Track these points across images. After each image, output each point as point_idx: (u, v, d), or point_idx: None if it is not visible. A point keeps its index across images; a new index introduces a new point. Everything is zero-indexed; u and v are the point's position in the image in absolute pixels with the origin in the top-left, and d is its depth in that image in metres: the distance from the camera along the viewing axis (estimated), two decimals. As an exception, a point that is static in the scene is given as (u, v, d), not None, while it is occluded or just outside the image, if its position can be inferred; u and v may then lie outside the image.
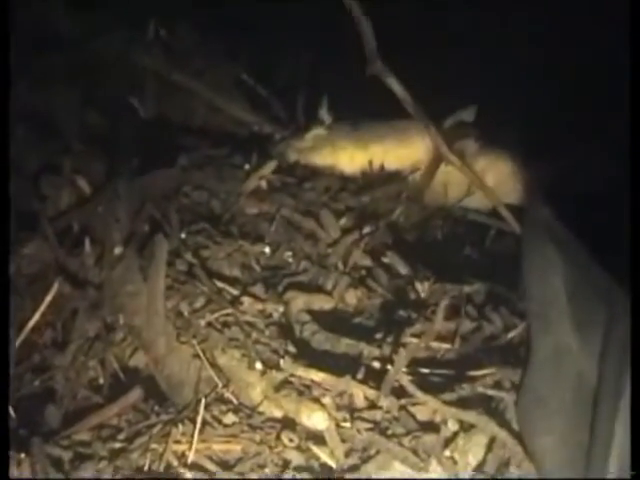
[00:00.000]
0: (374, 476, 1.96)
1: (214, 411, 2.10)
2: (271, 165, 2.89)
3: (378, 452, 1.99)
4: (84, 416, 2.17)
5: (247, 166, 2.94)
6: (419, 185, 3.04)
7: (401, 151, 3.09)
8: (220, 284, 2.41)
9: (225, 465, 1.99)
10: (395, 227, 2.80)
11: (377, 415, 2.07)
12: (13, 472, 1.97)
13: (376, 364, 2.20)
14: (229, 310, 2.32)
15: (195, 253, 2.51)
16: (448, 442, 2.01)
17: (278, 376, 2.15)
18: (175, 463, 1.99)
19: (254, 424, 2.08)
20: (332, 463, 1.98)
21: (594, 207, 2.52)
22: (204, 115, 3.51)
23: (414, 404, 2.09)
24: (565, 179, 2.91)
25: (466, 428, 2.03)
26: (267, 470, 1.97)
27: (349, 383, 2.11)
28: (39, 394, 2.30)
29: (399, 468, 1.97)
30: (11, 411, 2.16)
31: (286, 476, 1.96)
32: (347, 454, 1.99)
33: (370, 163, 3.09)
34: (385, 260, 2.61)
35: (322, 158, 3.10)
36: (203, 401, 2.09)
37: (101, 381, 2.32)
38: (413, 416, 2.08)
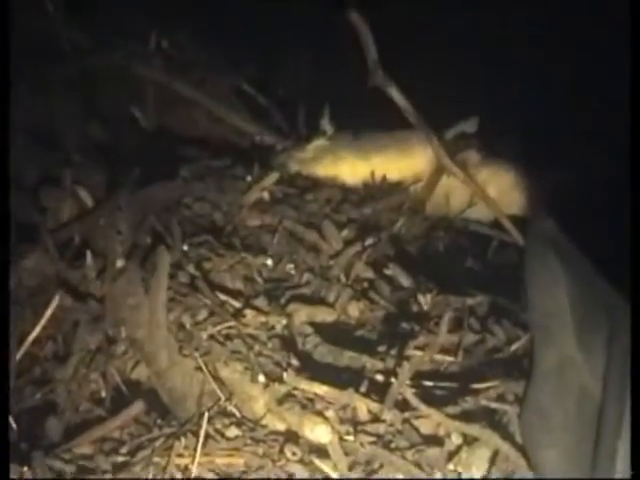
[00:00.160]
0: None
1: (217, 424, 2.10)
2: (273, 176, 2.88)
3: (381, 466, 1.99)
4: (86, 429, 2.17)
5: (249, 177, 2.93)
6: (421, 196, 3.04)
7: (403, 162, 3.09)
8: (222, 296, 2.40)
9: (228, 479, 1.99)
10: (397, 239, 2.80)
11: (380, 428, 2.06)
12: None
13: (379, 377, 2.19)
14: (231, 323, 2.31)
15: (197, 265, 2.50)
16: (452, 455, 2.01)
17: (281, 389, 2.14)
18: (178, 477, 1.98)
19: (257, 437, 2.07)
20: (335, 476, 1.97)
21: (595, 215, 2.52)
22: (205, 126, 3.51)
23: (417, 417, 2.08)
24: (566, 187, 2.92)
25: (470, 441, 2.03)
26: (270, 484, 1.97)
27: (352, 396, 2.10)
28: (40, 407, 2.29)
29: (403, 482, 1.97)
30: (12, 424, 2.16)
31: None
32: (350, 467, 1.98)
33: (372, 174, 3.08)
34: (387, 272, 2.60)
35: (324, 169, 3.10)
36: (206, 414, 2.08)
37: (103, 394, 2.31)
38: (417, 429, 2.08)
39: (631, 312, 1.69)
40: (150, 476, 1.98)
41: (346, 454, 2.00)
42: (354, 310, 2.45)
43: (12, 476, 1.94)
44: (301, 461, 2.01)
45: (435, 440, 2.05)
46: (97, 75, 3.44)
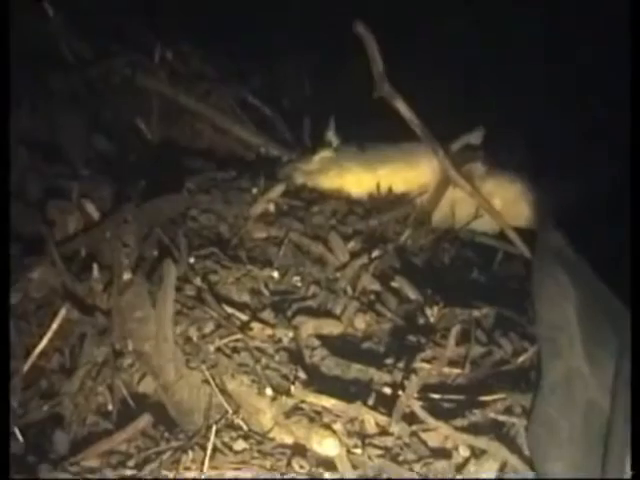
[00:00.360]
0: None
1: (224, 437, 2.09)
2: (279, 189, 2.88)
3: (389, 479, 1.98)
4: (93, 442, 2.15)
5: (254, 189, 2.93)
6: (427, 208, 3.04)
7: (409, 173, 3.09)
8: (229, 309, 2.40)
9: (236, 492, 1.99)
10: (403, 251, 2.80)
11: (388, 441, 2.06)
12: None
13: (387, 390, 2.19)
14: (238, 335, 2.31)
15: (204, 278, 2.50)
16: (459, 468, 2.01)
17: (288, 402, 2.14)
18: (186, 490, 1.98)
19: (264, 450, 2.07)
20: (343, 489, 1.98)
21: (595, 220, 2.52)
22: (210, 138, 3.52)
23: (425, 430, 2.09)
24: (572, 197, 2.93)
25: (477, 454, 2.03)
26: (278, 497, 1.97)
27: (360, 409, 2.10)
28: (47, 420, 2.28)
29: (411, 495, 1.97)
30: (19, 437, 2.16)
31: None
32: (358, 481, 1.99)
33: (377, 186, 3.08)
34: (394, 284, 2.60)
35: (329, 181, 3.10)
36: (214, 427, 2.08)
37: (110, 407, 2.29)
38: (424, 442, 2.08)
39: (631, 312, 1.70)
40: (157, 489, 1.98)
41: (354, 467, 2.00)
42: (361, 323, 2.45)
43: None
44: (309, 474, 2.01)
45: (443, 453, 2.05)
46: (102, 87, 3.45)
